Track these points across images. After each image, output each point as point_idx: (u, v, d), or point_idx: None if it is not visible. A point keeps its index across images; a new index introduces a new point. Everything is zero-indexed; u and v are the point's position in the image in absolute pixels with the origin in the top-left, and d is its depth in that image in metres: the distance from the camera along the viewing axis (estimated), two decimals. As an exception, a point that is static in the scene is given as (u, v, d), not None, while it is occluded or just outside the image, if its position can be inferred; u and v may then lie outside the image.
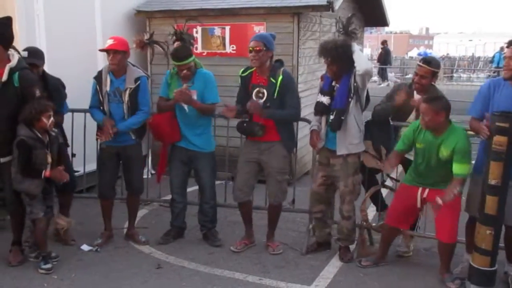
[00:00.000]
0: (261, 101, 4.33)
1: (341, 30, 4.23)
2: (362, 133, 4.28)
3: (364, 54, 4.31)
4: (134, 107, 4.46)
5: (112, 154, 4.56)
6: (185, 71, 4.43)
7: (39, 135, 3.99)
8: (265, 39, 4.32)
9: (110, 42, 4.40)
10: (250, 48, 4.27)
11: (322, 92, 4.30)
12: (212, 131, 5.12)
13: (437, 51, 51.46)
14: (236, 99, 4.51)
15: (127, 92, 4.44)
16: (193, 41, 4.83)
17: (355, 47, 4.14)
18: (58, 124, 4.44)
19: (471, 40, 50.99)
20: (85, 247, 4.55)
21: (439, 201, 3.77)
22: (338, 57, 4.11)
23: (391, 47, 52.81)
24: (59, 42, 4.59)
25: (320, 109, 4.29)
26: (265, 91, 4.33)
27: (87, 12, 6.28)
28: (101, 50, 4.52)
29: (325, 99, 4.25)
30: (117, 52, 4.36)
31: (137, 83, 4.44)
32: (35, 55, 4.35)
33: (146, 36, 4.73)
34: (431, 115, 3.79)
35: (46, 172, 4.00)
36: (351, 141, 4.21)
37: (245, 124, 4.41)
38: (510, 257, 3.98)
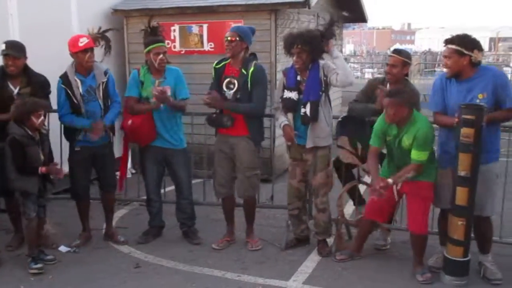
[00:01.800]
0: (231, 91, 4.35)
1: (321, 26, 4.30)
2: (330, 128, 4.32)
3: (346, 63, 4.32)
4: (107, 101, 4.51)
5: (88, 154, 4.54)
6: (161, 56, 4.43)
7: (30, 133, 4.01)
8: (241, 30, 4.37)
9: (85, 40, 4.36)
10: (225, 38, 4.34)
11: (289, 88, 4.31)
12: (190, 129, 5.13)
13: (419, 46, 51.97)
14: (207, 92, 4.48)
15: (101, 87, 4.46)
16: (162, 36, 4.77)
17: (337, 53, 4.20)
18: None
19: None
20: (63, 248, 4.52)
21: (390, 181, 3.88)
22: (307, 41, 4.13)
23: (373, 42, 53.30)
24: (34, 42, 4.54)
25: (290, 105, 4.30)
26: (236, 81, 4.35)
27: (63, 11, 6.22)
28: (78, 51, 4.36)
29: (293, 95, 4.27)
30: (92, 50, 4.37)
31: (107, 76, 4.49)
32: (12, 47, 4.28)
33: (96, 30, 4.69)
34: (395, 109, 3.84)
35: (42, 168, 4.02)
36: (318, 134, 4.25)
37: (214, 115, 4.42)
38: (482, 248, 4.04)
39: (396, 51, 4.44)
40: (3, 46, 4.25)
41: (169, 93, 4.45)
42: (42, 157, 4.11)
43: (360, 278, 4.06)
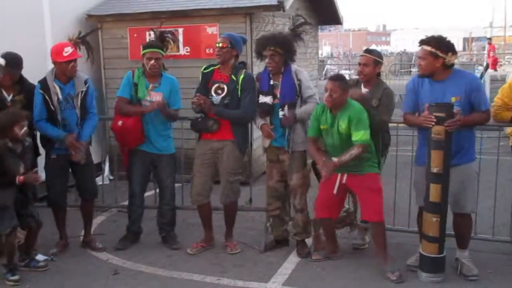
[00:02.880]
0: (220, 97, 4.36)
1: (292, 28, 4.42)
2: (305, 133, 4.34)
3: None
4: (85, 110, 4.48)
5: (65, 162, 4.49)
6: (153, 61, 4.42)
7: (10, 144, 3.93)
8: (232, 37, 4.41)
9: (70, 50, 4.33)
10: (216, 44, 4.37)
11: (262, 92, 4.36)
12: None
13: (394, 47, 52.61)
14: (194, 96, 4.48)
15: (79, 96, 4.43)
16: (172, 40, 4.84)
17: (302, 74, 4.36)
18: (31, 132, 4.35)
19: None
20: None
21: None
22: (279, 43, 4.22)
23: (349, 44, 53.76)
24: (5, 48, 4.49)
25: (266, 109, 4.34)
26: (225, 87, 4.37)
27: (35, 16, 6.16)
28: (62, 61, 4.32)
29: (268, 99, 4.32)
30: (76, 60, 4.37)
31: (86, 85, 4.46)
32: (12, 64, 4.25)
33: (76, 35, 4.70)
34: (339, 93, 3.95)
35: (20, 177, 3.93)
36: (295, 139, 4.31)
37: (199, 119, 4.42)
38: (459, 244, 4.12)
39: (367, 51, 4.52)
40: (2, 61, 4.21)
41: (159, 98, 4.45)
42: (22, 169, 3.99)
43: (338, 278, 4.10)
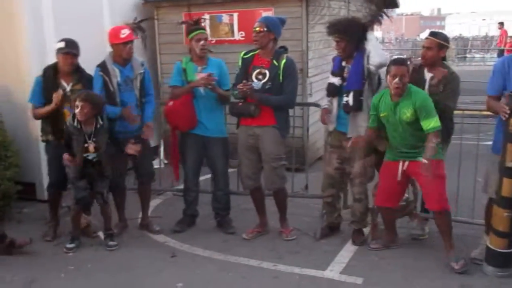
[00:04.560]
0: (261, 82, 4.32)
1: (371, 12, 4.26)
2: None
3: (380, 46, 4.29)
4: (143, 92, 4.58)
5: (124, 145, 4.56)
6: (202, 42, 4.47)
7: (75, 124, 4.16)
8: (268, 21, 4.34)
9: (127, 32, 4.43)
10: (253, 29, 4.32)
11: (333, 73, 4.31)
12: (224, 119, 5.11)
13: (449, 32, 50.77)
14: (234, 82, 4.46)
15: (138, 78, 4.52)
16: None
17: (371, 35, 4.14)
18: None
19: (484, 19, 50.17)
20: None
21: (424, 160, 3.77)
22: (345, 31, 4.12)
23: (402, 29, 52.36)
24: (67, 34, 4.59)
25: (331, 90, 4.29)
26: (266, 72, 4.32)
27: (95, 2, 6.26)
28: (119, 42, 4.41)
29: (336, 80, 4.25)
30: (132, 42, 4.45)
31: (143, 67, 4.57)
32: (72, 45, 4.37)
33: (131, 20, 4.76)
34: (407, 77, 3.83)
35: (65, 155, 4.22)
36: (360, 123, 4.20)
37: (240, 104, 4.39)
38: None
39: (432, 33, 4.29)
40: (62, 44, 4.32)
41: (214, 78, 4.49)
42: (92, 149, 4.21)
43: (397, 268, 4.00)
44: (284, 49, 4.44)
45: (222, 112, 4.75)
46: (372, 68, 4.12)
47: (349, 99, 4.14)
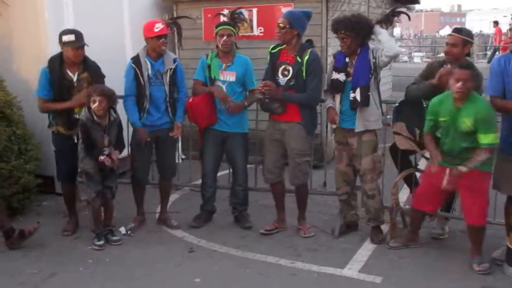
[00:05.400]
0: (286, 79, 4.30)
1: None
2: (379, 111, 4.24)
3: (391, 36, 4.26)
4: (173, 88, 4.57)
5: (150, 138, 4.59)
6: (225, 38, 4.44)
7: (95, 118, 4.18)
8: (292, 16, 4.31)
9: (161, 26, 4.43)
10: (277, 24, 4.31)
11: (336, 69, 4.27)
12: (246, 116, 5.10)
13: (469, 29, 49.95)
14: (264, 77, 4.45)
15: (168, 73, 4.53)
16: (239, 23, 4.82)
17: (379, 29, 4.11)
18: None
19: (505, 16, 49.27)
20: (122, 229, 4.61)
21: (463, 169, 3.68)
22: (349, 27, 4.08)
23: (421, 25, 51.76)
24: (87, 30, 4.61)
25: (336, 86, 4.26)
26: (290, 68, 4.29)
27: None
28: (153, 36, 4.41)
29: (341, 76, 4.22)
30: (166, 36, 4.46)
31: (175, 64, 4.55)
32: (81, 37, 4.37)
33: (166, 17, 4.81)
34: (471, 82, 3.67)
35: (101, 157, 4.20)
36: (367, 118, 4.18)
37: (266, 100, 4.38)
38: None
39: (456, 30, 4.22)
40: (72, 37, 4.31)
41: (233, 78, 4.49)
42: (106, 143, 4.23)
43: (416, 267, 3.96)
44: (310, 43, 4.41)
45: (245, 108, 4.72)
46: (385, 59, 4.11)
47: (356, 95, 4.11)
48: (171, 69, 4.52)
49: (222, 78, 4.53)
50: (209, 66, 4.57)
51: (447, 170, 3.82)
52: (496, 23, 21.86)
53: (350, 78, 4.19)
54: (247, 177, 4.81)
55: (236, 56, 4.59)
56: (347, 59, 4.23)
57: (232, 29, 4.53)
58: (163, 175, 4.81)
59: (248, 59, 4.64)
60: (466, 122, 3.68)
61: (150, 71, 4.47)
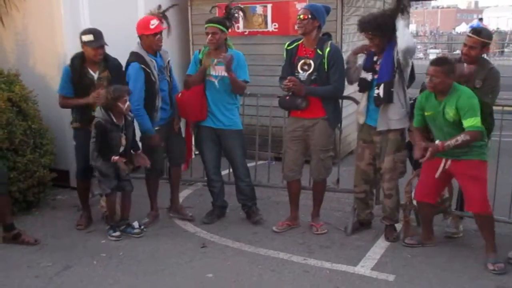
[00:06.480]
0: (307, 73, 4.27)
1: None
2: (404, 110, 4.17)
3: (408, 31, 4.18)
4: (171, 79, 4.66)
5: (165, 132, 4.64)
6: (210, 36, 4.40)
7: (114, 119, 4.20)
8: (313, 8, 4.28)
9: (156, 23, 4.41)
10: (297, 17, 4.26)
11: (365, 68, 4.24)
12: (255, 111, 5.10)
13: (487, 26, 49.40)
14: (281, 74, 4.43)
15: (168, 66, 4.58)
16: (235, 21, 4.78)
17: (400, 23, 4.02)
18: None
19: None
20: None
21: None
22: (378, 28, 4.04)
23: (437, 22, 51.25)
24: (102, 20, 4.62)
25: (363, 85, 4.23)
26: (311, 62, 4.26)
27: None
28: (150, 33, 4.40)
29: (368, 75, 4.20)
30: (161, 32, 4.46)
31: (168, 55, 4.63)
32: (101, 36, 4.39)
33: (158, 10, 4.71)
34: (442, 78, 3.72)
35: (115, 158, 4.24)
36: (391, 116, 4.13)
37: (287, 97, 4.35)
38: None
39: (476, 31, 4.09)
40: (91, 37, 4.34)
41: (224, 73, 4.43)
42: (124, 142, 4.29)
43: (430, 267, 3.92)
44: (328, 35, 4.38)
45: (237, 104, 4.70)
46: (400, 55, 4.03)
47: (380, 91, 4.08)
48: (168, 61, 4.58)
49: (214, 73, 4.50)
50: (201, 61, 4.56)
51: (443, 161, 3.87)
52: (481, 19, 21.68)
53: (376, 76, 4.16)
54: (248, 171, 4.79)
55: (227, 51, 4.53)
56: (375, 58, 4.20)
57: (219, 26, 4.42)
58: (174, 163, 4.86)
59: (239, 53, 4.57)
60: (449, 113, 3.75)
61: (156, 68, 4.46)
